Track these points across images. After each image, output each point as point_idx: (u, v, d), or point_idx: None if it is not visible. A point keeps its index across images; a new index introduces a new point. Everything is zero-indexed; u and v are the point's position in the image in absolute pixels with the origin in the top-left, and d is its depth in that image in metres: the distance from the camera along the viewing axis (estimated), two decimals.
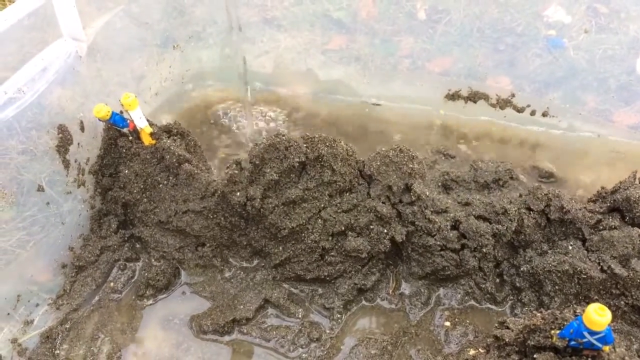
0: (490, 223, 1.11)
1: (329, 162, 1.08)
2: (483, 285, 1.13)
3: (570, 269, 1.05)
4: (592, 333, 0.72)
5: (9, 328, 1.07)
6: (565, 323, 0.77)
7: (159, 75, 1.47)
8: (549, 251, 1.10)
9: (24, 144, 1.03)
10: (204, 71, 1.59)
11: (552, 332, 0.78)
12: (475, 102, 1.45)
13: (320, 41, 1.56)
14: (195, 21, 1.51)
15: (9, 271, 1.06)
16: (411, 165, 1.10)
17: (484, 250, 1.10)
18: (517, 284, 1.12)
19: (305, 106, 1.56)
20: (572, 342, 0.75)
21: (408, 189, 1.10)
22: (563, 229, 1.10)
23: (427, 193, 1.10)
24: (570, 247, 1.08)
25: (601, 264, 1.04)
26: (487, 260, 1.12)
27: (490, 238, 1.10)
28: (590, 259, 1.06)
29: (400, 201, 1.11)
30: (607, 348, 0.74)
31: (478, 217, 1.11)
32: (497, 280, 1.13)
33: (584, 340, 0.73)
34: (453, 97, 1.46)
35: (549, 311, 0.81)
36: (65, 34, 1.12)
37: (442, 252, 1.11)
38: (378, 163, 1.11)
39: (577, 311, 0.79)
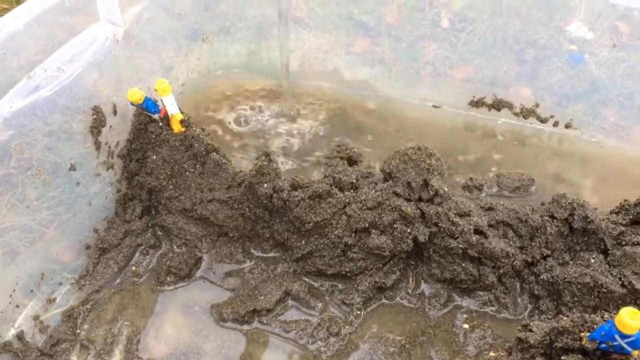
0: (514, 230, 1.11)
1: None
2: (502, 300, 1.13)
3: (591, 282, 1.05)
4: (623, 336, 0.72)
5: (32, 305, 1.08)
6: (594, 326, 0.78)
7: (187, 66, 1.48)
8: (571, 262, 1.10)
9: (59, 123, 1.03)
10: (231, 65, 1.60)
11: (582, 334, 0.78)
12: (499, 110, 1.46)
13: (345, 43, 1.57)
14: (225, 15, 1.52)
15: (34, 249, 1.07)
16: (429, 162, 1.11)
17: (501, 270, 1.11)
18: (536, 292, 1.12)
19: (331, 104, 1.57)
20: (602, 345, 0.76)
21: (426, 184, 1.11)
22: (585, 238, 1.10)
23: (446, 188, 1.11)
24: (592, 260, 1.08)
25: (622, 279, 1.05)
26: (507, 276, 1.12)
27: (508, 260, 1.10)
28: (611, 273, 1.06)
29: (420, 198, 1.12)
30: (636, 353, 0.74)
31: (499, 223, 1.12)
32: (518, 288, 1.14)
33: (615, 343, 0.74)
34: (477, 104, 1.47)
35: (578, 314, 0.81)
36: (102, 17, 1.13)
37: (462, 264, 1.11)
38: (397, 161, 1.13)
39: (605, 316, 0.80)
